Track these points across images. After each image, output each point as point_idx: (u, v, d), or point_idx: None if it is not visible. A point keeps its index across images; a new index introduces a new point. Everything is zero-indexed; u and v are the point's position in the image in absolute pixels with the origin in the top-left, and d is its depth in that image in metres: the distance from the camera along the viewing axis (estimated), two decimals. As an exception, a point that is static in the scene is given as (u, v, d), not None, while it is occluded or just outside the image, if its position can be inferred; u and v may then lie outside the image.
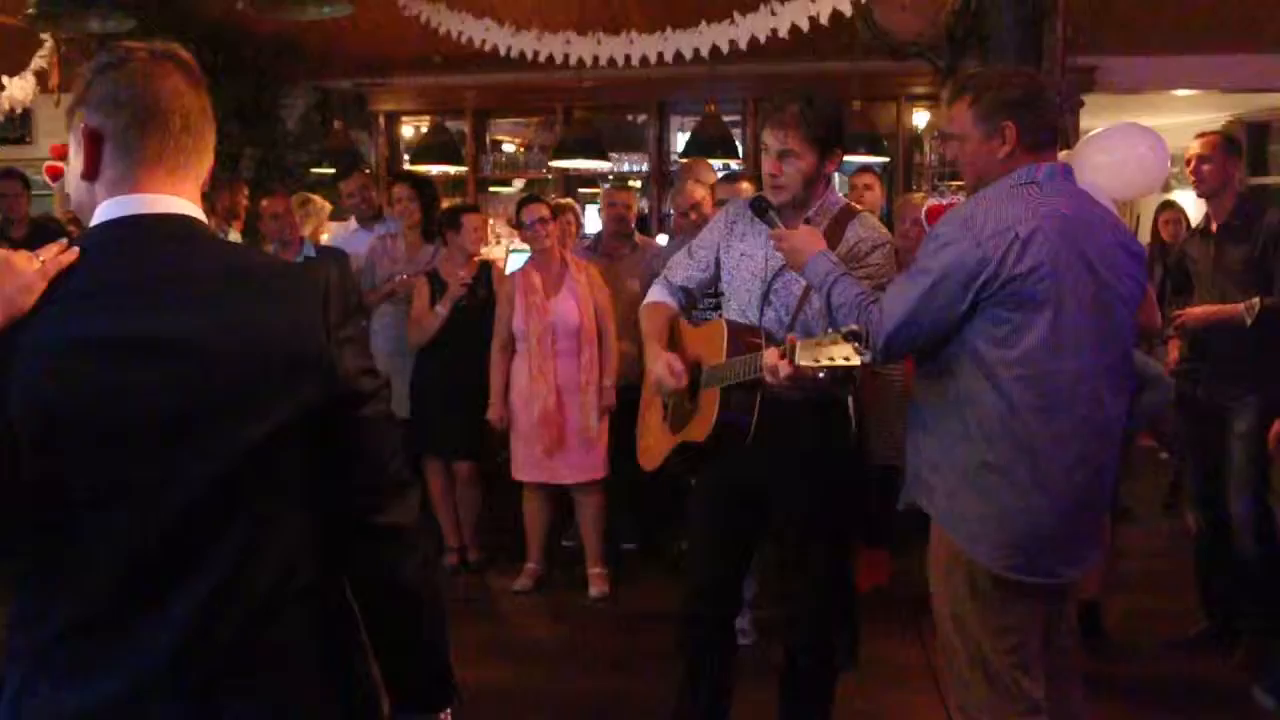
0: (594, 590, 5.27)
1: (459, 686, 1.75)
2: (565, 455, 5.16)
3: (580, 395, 5.16)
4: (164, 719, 1.42)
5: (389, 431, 1.61)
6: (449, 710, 1.75)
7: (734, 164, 7.94)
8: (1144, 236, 8.55)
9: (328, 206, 6.90)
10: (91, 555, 1.42)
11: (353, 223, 6.70)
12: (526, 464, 5.25)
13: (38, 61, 7.41)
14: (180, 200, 1.53)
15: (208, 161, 1.59)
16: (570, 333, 5.15)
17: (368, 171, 7.90)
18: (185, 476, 1.41)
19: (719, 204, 4.76)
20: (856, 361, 2.42)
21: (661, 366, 3.13)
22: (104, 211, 1.51)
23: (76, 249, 1.46)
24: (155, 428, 1.41)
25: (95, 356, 1.40)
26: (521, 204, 5.43)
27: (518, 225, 5.37)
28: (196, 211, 1.55)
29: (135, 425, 1.41)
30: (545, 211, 5.25)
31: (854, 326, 2.44)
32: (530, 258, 5.39)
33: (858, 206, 3.20)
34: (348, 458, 1.55)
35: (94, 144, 1.51)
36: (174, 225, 1.51)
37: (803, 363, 2.49)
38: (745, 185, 4.81)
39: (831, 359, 2.44)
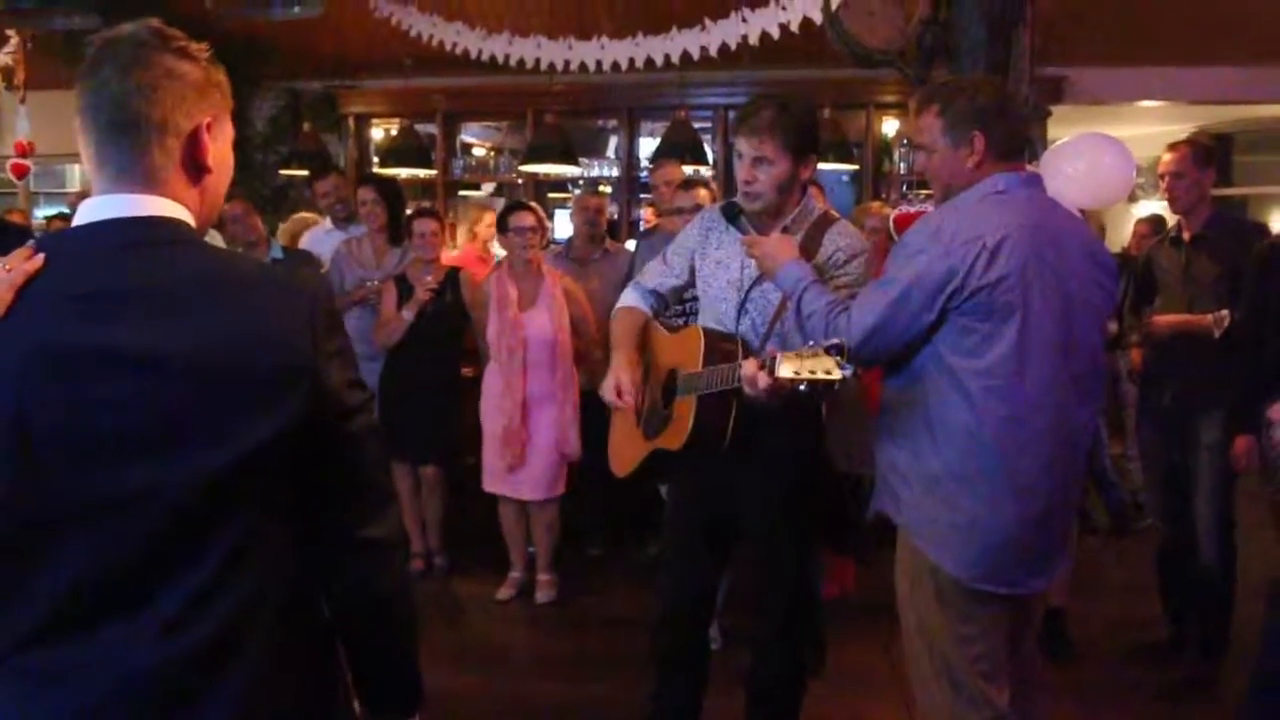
0: (540, 596, 5.27)
1: (426, 693, 1.77)
2: (527, 470, 5.15)
3: (550, 410, 5.14)
4: None
5: (374, 444, 1.61)
6: (417, 716, 1.77)
7: (704, 170, 7.94)
8: (1112, 246, 8.64)
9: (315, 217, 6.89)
10: (59, 568, 1.38)
11: (327, 223, 6.67)
12: (494, 475, 5.23)
13: (2, 58, 7.33)
14: (164, 201, 1.49)
15: (211, 158, 1.54)
16: (542, 345, 5.12)
17: (343, 172, 7.85)
18: (158, 493, 1.38)
19: (677, 211, 4.74)
20: (838, 376, 2.39)
21: (609, 388, 3.15)
22: (82, 213, 1.47)
23: (42, 255, 1.42)
24: (124, 442, 1.37)
25: (61, 370, 1.36)
26: (508, 210, 5.31)
27: (501, 231, 5.30)
28: (182, 213, 1.50)
29: (104, 440, 1.37)
30: (533, 220, 5.17)
31: (836, 340, 2.42)
32: (507, 265, 5.31)
33: (835, 214, 3.19)
34: (333, 471, 1.54)
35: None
36: (154, 230, 1.47)
37: (784, 375, 2.47)
38: (703, 192, 4.79)
39: (813, 372, 2.42)
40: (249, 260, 1.70)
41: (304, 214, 7.16)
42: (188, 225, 1.51)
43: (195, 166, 1.52)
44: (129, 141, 1.46)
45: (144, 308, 1.40)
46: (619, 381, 3.14)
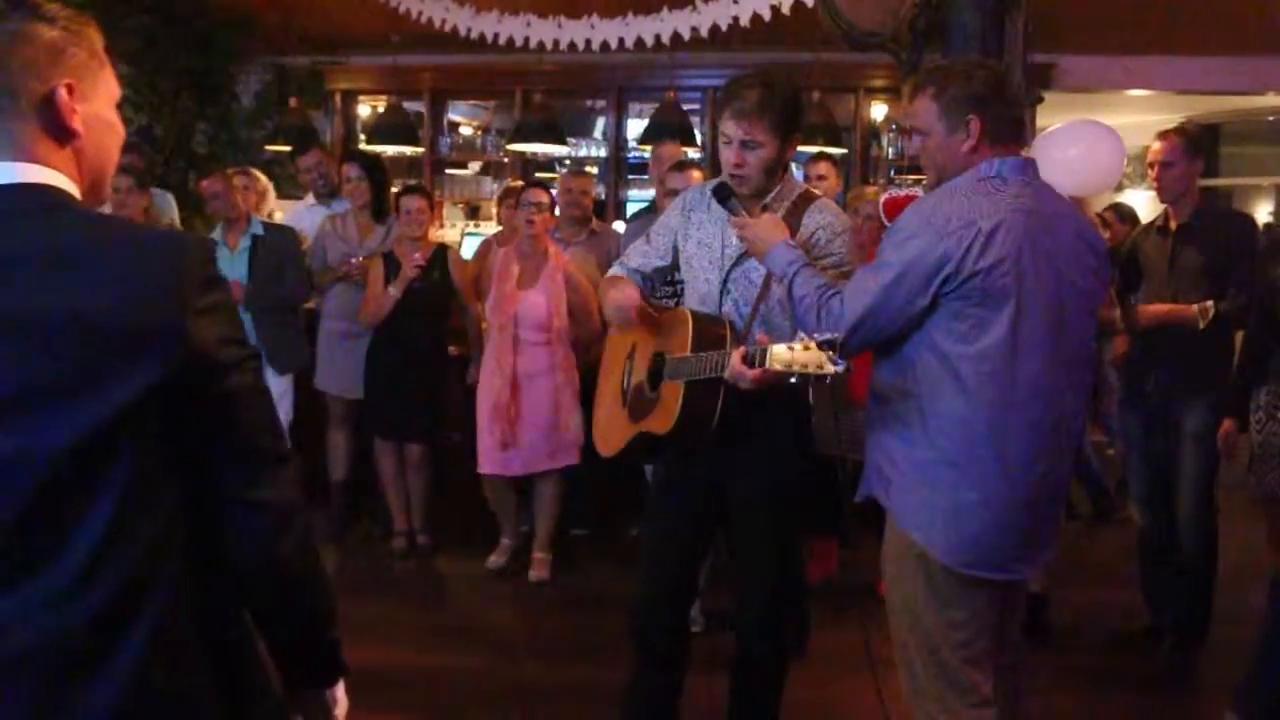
0: (533, 574, 5.27)
1: (346, 663, 1.75)
2: (518, 449, 5.14)
3: (542, 388, 5.13)
4: (18, 701, 1.37)
5: (257, 403, 1.56)
6: (339, 685, 1.75)
7: (692, 152, 7.92)
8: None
9: (266, 180, 6.76)
10: None
11: (310, 198, 6.64)
12: (487, 454, 5.22)
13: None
14: (31, 167, 1.46)
15: (77, 121, 1.50)
16: (535, 325, 5.11)
17: (325, 147, 7.81)
18: (27, 458, 1.36)
19: (671, 193, 4.73)
20: (831, 370, 2.40)
21: (625, 306, 3.12)
22: None
23: None
24: None
25: None
26: (524, 186, 5.43)
27: (515, 205, 5.38)
28: (52, 178, 1.48)
29: None
30: (544, 198, 5.18)
31: (829, 335, 2.42)
32: (515, 241, 5.32)
33: (816, 191, 3.17)
34: (213, 431, 1.51)
35: None
36: (17, 197, 1.45)
37: (775, 368, 2.48)
38: (696, 174, 4.78)
39: (805, 366, 2.42)
40: (119, 222, 1.67)
41: (252, 171, 6.91)
42: (57, 190, 1.48)
43: (60, 130, 1.49)
44: None
45: (3, 274, 1.38)
46: (623, 296, 3.13)
